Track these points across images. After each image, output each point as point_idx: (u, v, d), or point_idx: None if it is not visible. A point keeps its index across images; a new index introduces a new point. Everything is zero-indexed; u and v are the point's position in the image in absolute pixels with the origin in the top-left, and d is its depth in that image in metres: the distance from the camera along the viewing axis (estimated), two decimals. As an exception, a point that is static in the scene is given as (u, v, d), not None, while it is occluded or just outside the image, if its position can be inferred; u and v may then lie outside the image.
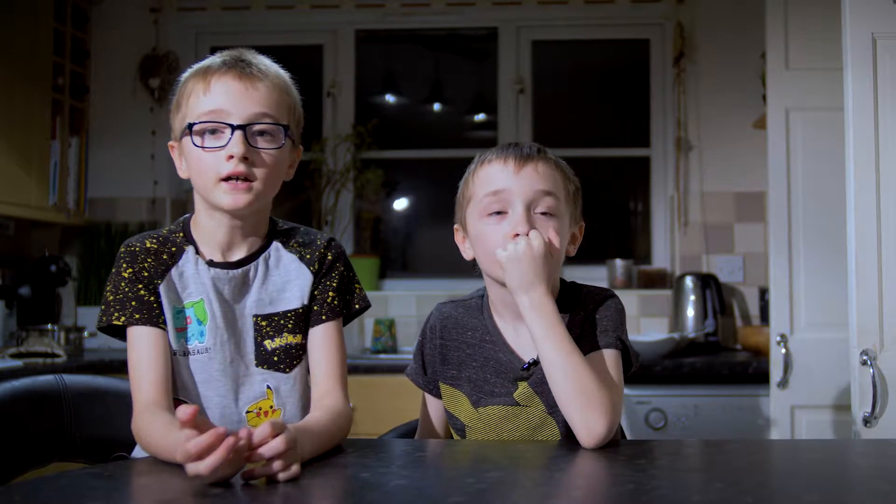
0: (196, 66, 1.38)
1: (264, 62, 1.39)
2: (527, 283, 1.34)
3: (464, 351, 1.46)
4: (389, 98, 3.92)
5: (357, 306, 1.46)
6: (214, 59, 1.36)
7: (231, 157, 1.30)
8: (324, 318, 1.40)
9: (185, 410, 1.03)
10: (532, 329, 1.33)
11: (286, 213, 3.71)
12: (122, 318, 1.34)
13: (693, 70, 3.48)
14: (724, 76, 3.45)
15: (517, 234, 1.36)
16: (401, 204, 3.90)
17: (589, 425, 1.27)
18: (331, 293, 1.41)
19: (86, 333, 3.10)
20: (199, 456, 1.01)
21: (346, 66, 3.71)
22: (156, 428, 1.24)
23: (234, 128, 1.31)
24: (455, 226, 1.50)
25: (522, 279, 1.34)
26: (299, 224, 1.48)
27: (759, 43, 2.91)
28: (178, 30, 3.67)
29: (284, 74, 1.42)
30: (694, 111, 3.48)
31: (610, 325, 1.39)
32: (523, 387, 1.40)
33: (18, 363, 2.66)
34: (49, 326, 3.00)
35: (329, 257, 1.43)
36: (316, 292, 1.41)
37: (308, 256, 1.42)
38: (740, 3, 3.39)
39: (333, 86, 3.69)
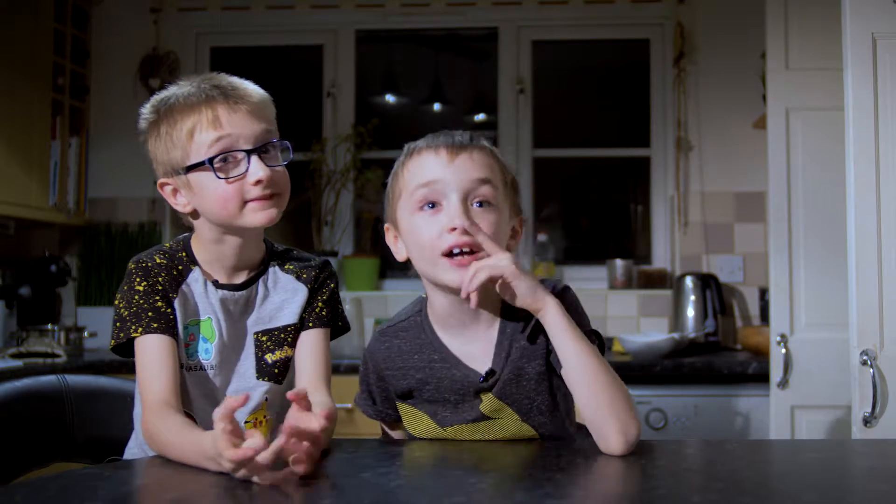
0: (175, 101, 1.35)
1: (241, 83, 1.39)
2: (540, 293, 1.26)
3: (413, 377, 1.38)
4: (389, 98, 3.92)
5: (340, 324, 1.51)
6: (189, 91, 1.35)
7: (258, 181, 1.33)
8: (311, 325, 1.46)
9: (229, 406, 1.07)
10: (558, 334, 1.25)
11: (286, 214, 3.70)
12: (140, 329, 1.34)
13: (693, 70, 3.48)
14: (724, 76, 3.45)
15: (454, 229, 1.26)
16: (401, 204, 3.90)
17: (627, 430, 1.21)
18: (320, 304, 1.47)
19: (86, 333, 3.10)
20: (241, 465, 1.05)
21: (346, 66, 3.71)
22: (169, 428, 1.25)
23: (249, 153, 1.34)
24: (385, 225, 1.40)
25: (534, 291, 1.25)
26: (292, 247, 1.54)
27: (759, 43, 2.91)
28: (178, 30, 3.66)
29: (256, 85, 1.43)
30: (694, 111, 3.48)
31: (581, 320, 1.31)
32: (488, 399, 1.33)
33: (18, 363, 2.66)
34: (49, 326, 3.00)
35: (322, 276, 1.49)
36: (307, 305, 1.46)
37: (304, 276, 1.48)
38: (740, 3, 3.39)
39: (333, 86, 3.69)
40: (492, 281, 1.25)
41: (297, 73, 3.83)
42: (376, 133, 3.54)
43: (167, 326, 1.35)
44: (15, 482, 1.39)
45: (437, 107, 3.90)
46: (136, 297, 1.36)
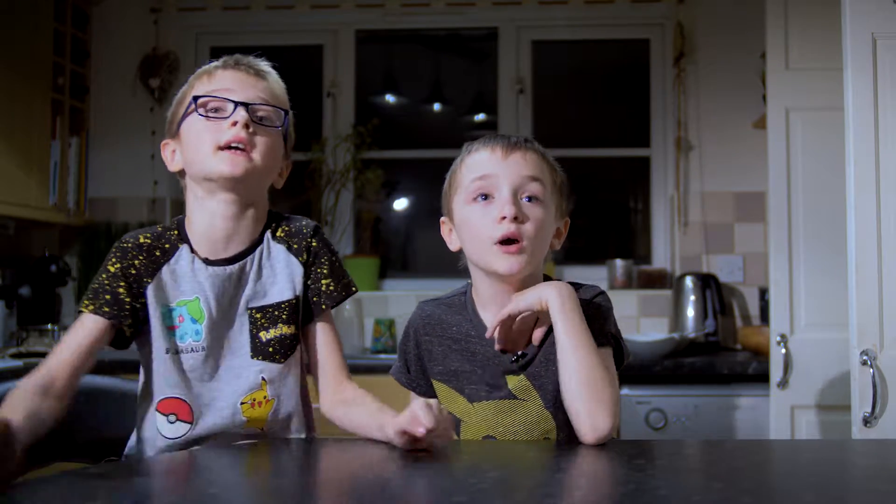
0: (200, 70, 1.46)
1: (267, 66, 1.46)
2: (542, 293, 1.37)
3: (448, 346, 1.46)
4: (389, 98, 3.91)
5: (354, 289, 1.50)
6: (218, 62, 1.45)
7: (234, 123, 1.35)
8: (324, 307, 1.44)
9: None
10: (556, 322, 1.34)
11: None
12: (91, 307, 1.35)
13: (693, 70, 3.48)
14: (724, 76, 3.45)
15: (503, 218, 1.36)
16: (401, 204, 3.90)
17: (595, 422, 1.29)
18: (324, 281, 1.44)
19: (86, 333, 3.10)
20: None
21: (346, 66, 3.71)
22: (14, 406, 1.21)
23: (237, 104, 1.37)
24: (441, 219, 1.50)
25: (538, 296, 1.36)
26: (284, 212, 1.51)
27: (759, 43, 2.91)
28: (178, 30, 3.67)
29: (282, 84, 1.48)
30: (694, 111, 3.48)
31: (604, 323, 1.40)
32: (520, 379, 1.40)
33: (18, 363, 2.66)
34: (49, 326, 3.00)
35: (314, 244, 1.45)
36: (309, 282, 1.44)
37: (295, 246, 1.44)
38: (740, 3, 3.39)
39: (333, 86, 3.69)
40: (513, 318, 1.37)
41: (297, 73, 3.83)
42: (376, 133, 3.54)
43: (117, 314, 1.35)
44: (15, 482, 1.39)
45: (437, 107, 3.90)
46: (104, 276, 1.37)
